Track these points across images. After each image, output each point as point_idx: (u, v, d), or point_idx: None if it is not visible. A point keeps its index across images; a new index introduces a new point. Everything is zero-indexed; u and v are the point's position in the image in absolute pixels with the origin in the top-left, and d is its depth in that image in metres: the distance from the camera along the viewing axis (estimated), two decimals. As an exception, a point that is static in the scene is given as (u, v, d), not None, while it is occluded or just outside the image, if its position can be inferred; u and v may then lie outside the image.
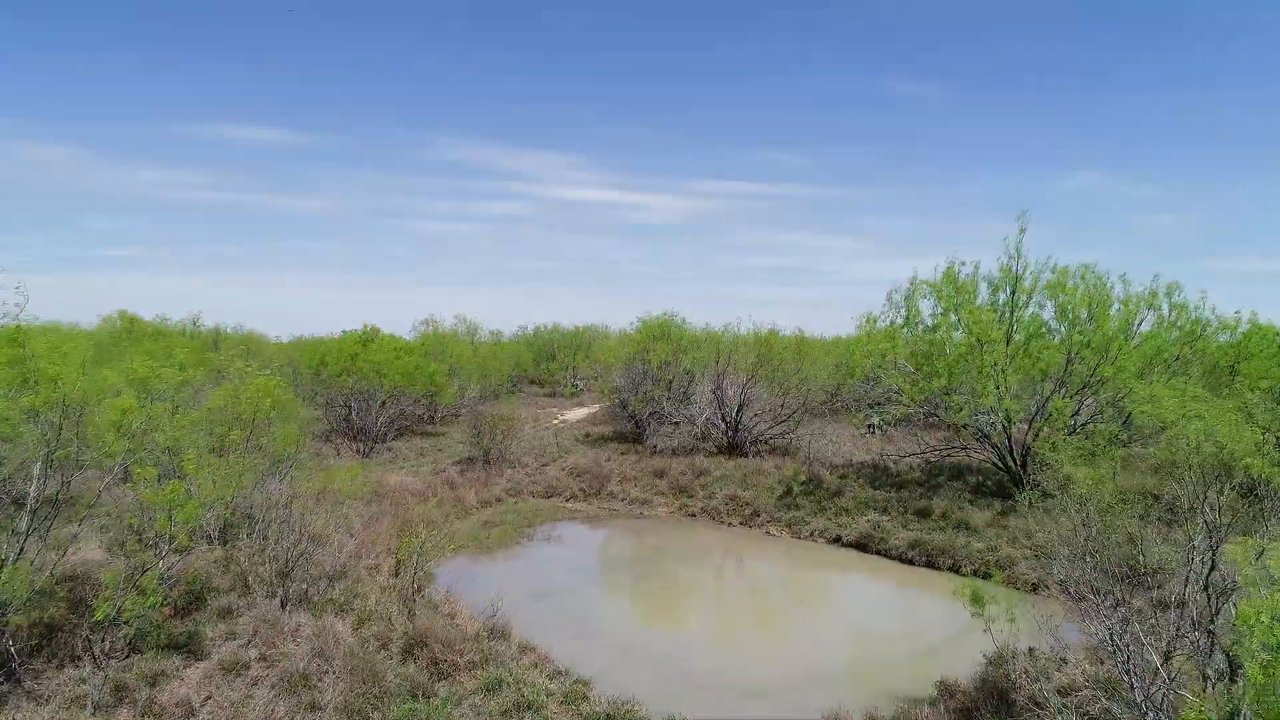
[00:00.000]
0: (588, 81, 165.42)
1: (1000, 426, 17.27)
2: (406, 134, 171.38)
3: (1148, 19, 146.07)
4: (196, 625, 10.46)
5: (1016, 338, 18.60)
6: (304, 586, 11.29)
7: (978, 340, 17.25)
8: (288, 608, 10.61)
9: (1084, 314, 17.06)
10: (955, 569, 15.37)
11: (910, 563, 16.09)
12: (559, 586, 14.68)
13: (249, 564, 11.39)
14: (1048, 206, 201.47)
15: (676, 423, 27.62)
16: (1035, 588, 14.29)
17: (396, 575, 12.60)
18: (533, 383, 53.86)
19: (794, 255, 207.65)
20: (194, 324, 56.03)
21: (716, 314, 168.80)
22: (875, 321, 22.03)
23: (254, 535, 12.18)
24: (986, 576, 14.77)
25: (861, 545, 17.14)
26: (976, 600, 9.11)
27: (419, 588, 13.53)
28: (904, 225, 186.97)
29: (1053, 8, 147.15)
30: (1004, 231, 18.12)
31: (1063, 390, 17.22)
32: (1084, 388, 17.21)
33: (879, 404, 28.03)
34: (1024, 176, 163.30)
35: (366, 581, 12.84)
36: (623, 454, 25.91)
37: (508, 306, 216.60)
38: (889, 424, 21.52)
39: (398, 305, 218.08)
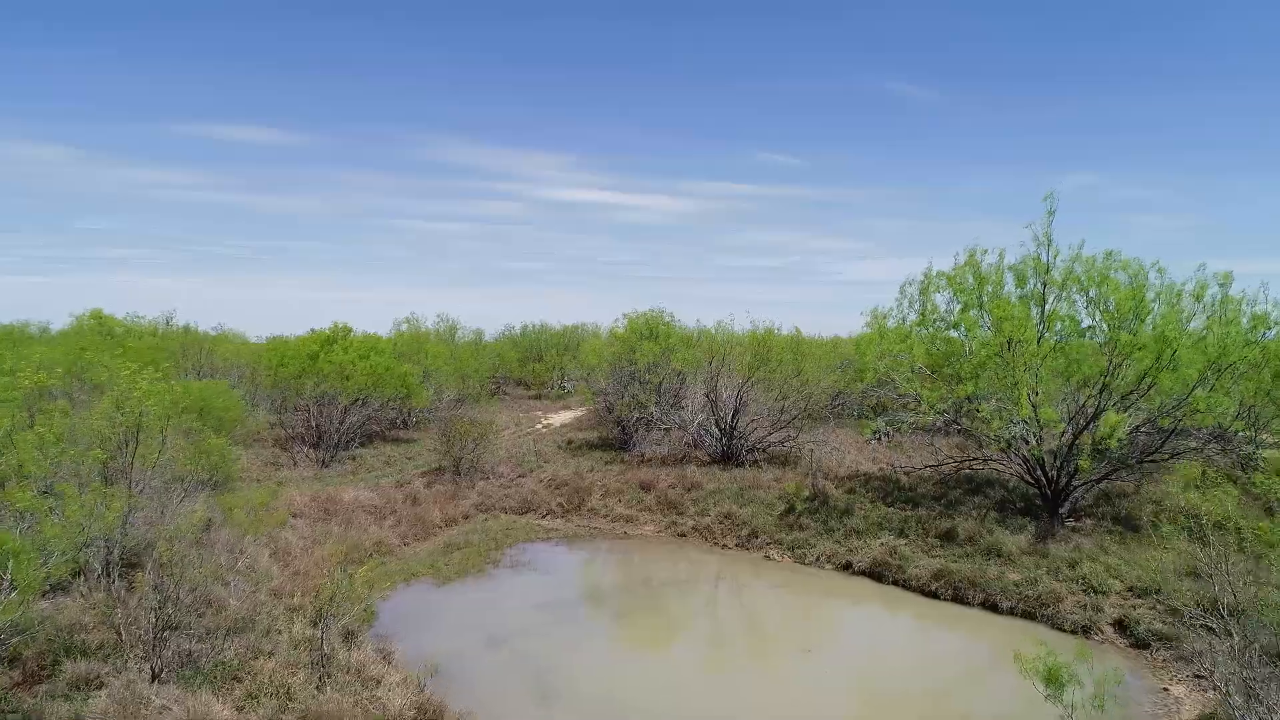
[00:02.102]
0: (584, 81, 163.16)
1: (1035, 439, 15.06)
2: (402, 135, 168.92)
3: (1146, 20, 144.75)
4: (42, 700, 8.16)
5: (1049, 337, 16.40)
6: (189, 646, 8.97)
7: (1009, 340, 15.03)
8: (159, 678, 8.29)
9: (1127, 309, 14.83)
10: (990, 605, 13.13)
11: (934, 596, 13.85)
12: (523, 628, 12.39)
13: (124, 617, 9.07)
14: (1045, 207, 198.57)
15: (666, 429, 25.36)
16: (1086, 630, 12.07)
17: (317, 624, 10.28)
18: (519, 384, 51.47)
19: (789, 256, 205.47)
20: (167, 322, 53.67)
21: (711, 314, 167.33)
22: (885, 318, 19.81)
23: (145, 576, 9.87)
24: (1030, 617, 12.58)
25: (876, 574, 14.90)
26: (1053, 681, 6.86)
27: (350, 632, 11.26)
28: (900, 226, 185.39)
29: (1050, 11, 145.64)
30: (1003, 232, 15.96)
31: (1105, 397, 15.01)
32: (1130, 394, 15.01)
33: (886, 409, 25.84)
34: (1024, 177, 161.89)
35: (282, 630, 10.53)
36: (607, 463, 23.62)
37: (503, 307, 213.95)
38: (899, 431, 19.26)
39: (394, 305, 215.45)
